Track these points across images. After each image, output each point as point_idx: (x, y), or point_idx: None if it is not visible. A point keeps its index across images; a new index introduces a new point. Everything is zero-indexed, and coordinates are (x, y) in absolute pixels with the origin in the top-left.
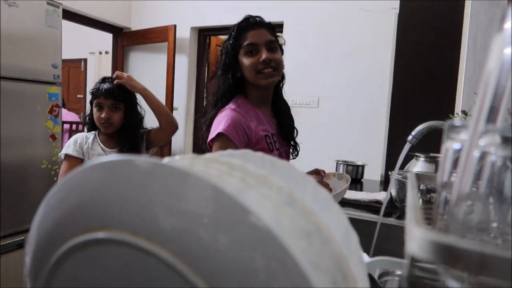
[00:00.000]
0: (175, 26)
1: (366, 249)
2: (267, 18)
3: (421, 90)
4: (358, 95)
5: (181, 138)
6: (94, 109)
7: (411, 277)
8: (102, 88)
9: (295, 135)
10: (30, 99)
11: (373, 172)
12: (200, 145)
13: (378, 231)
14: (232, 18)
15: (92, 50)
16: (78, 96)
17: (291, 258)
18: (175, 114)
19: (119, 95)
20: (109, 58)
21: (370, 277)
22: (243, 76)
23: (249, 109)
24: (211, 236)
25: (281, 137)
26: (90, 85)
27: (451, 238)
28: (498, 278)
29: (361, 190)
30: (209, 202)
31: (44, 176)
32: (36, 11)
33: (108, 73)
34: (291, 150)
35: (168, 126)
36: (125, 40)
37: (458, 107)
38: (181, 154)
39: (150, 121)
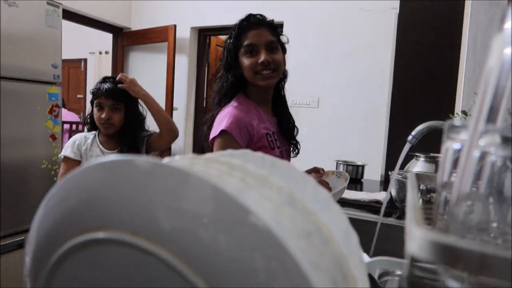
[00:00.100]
0: (175, 26)
1: (366, 249)
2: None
3: (421, 90)
4: (358, 95)
5: (181, 138)
6: (95, 109)
7: (411, 277)
8: (103, 88)
9: (295, 133)
10: (30, 99)
11: (373, 172)
12: (202, 144)
13: (378, 231)
14: (232, 18)
15: (92, 50)
16: (78, 96)
17: (291, 258)
18: (175, 114)
19: (120, 95)
20: (109, 58)
21: (370, 277)
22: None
23: (251, 107)
24: (211, 236)
25: (282, 136)
26: (90, 85)
27: (451, 238)
28: (498, 278)
29: (361, 190)
30: (209, 202)
31: (44, 176)
32: (36, 11)
33: (108, 73)
34: (291, 149)
35: (169, 133)
36: (125, 40)
37: (458, 107)
38: (181, 154)
39: (151, 121)
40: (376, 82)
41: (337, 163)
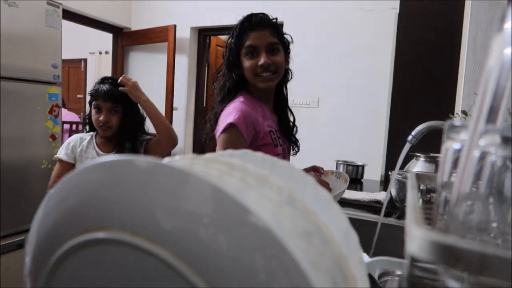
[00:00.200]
0: (175, 26)
1: (366, 249)
2: None
3: (421, 90)
4: (358, 95)
5: (181, 138)
6: (93, 111)
7: (411, 277)
8: (101, 90)
9: (294, 132)
10: (30, 99)
11: (373, 172)
12: (202, 144)
13: (378, 231)
14: (232, 18)
15: (92, 50)
16: (78, 96)
17: (291, 258)
18: (175, 114)
19: (119, 97)
20: (109, 58)
21: (370, 277)
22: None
23: (255, 103)
24: (211, 236)
25: (282, 134)
26: (90, 85)
27: (451, 238)
28: (498, 278)
29: (361, 190)
30: (209, 202)
31: (44, 176)
32: (36, 11)
33: (108, 73)
34: (291, 147)
35: (168, 140)
36: (125, 40)
37: (458, 107)
38: (181, 154)
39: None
40: (376, 82)
41: (337, 163)
